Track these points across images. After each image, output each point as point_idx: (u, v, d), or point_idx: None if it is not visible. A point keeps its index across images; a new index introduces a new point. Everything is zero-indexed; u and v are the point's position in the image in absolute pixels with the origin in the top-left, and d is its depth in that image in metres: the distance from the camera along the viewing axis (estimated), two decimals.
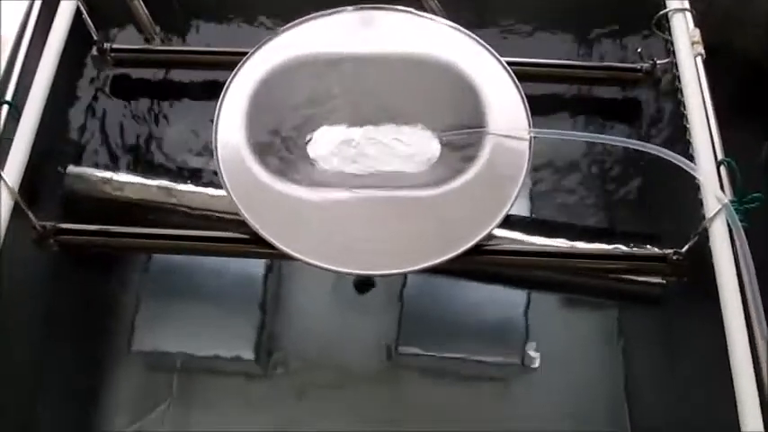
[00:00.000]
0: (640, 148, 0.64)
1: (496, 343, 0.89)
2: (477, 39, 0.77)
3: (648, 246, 0.78)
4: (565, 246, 0.75)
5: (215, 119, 0.72)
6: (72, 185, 0.80)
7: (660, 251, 0.67)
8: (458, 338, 0.89)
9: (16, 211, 0.63)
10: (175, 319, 0.89)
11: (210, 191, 0.80)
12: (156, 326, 0.88)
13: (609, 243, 0.79)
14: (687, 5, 0.70)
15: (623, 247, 0.72)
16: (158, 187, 0.80)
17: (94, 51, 0.76)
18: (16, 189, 0.63)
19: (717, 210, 0.59)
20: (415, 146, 0.75)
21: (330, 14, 0.79)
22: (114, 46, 0.77)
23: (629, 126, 0.85)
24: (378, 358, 0.93)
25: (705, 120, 0.66)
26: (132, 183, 0.81)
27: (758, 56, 0.90)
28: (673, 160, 0.62)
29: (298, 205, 0.68)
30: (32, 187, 0.68)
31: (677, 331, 0.80)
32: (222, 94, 0.73)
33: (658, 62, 0.76)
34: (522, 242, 0.76)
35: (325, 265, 0.64)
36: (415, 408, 0.92)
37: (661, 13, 0.71)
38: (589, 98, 0.84)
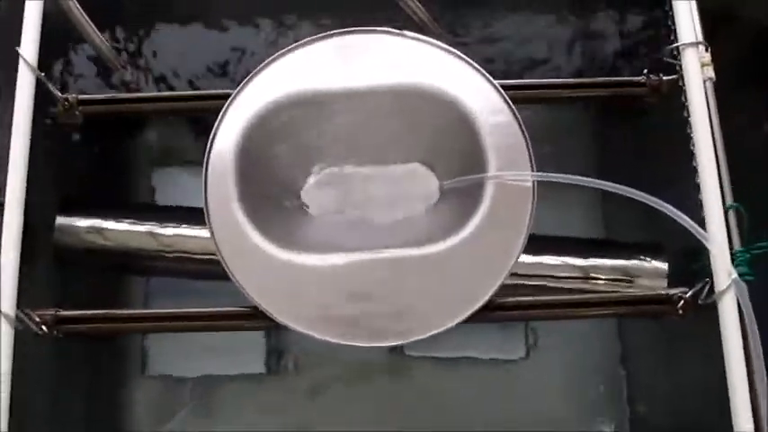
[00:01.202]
0: (654, 205, 0.63)
1: (500, 339, 0.93)
2: (472, 63, 0.72)
3: (648, 258, 0.79)
4: (571, 275, 0.76)
5: (203, 180, 0.68)
6: (60, 239, 0.78)
7: (665, 293, 0.67)
8: (462, 337, 0.92)
9: None
10: (183, 340, 0.90)
11: (201, 233, 0.78)
12: (165, 350, 0.90)
13: (608, 256, 0.80)
14: (700, 38, 0.65)
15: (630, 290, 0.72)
16: (145, 233, 0.78)
17: (60, 109, 0.70)
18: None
19: (727, 285, 0.59)
20: (412, 186, 0.73)
21: (313, 42, 0.72)
22: (81, 97, 0.71)
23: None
24: (386, 352, 0.96)
25: (714, 162, 0.64)
26: (119, 230, 0.78)
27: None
28: (685, 225, 0.61)
29: (298, 274, 0.67)
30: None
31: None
32: (207, 152, 0.69)
33: (665, 78, 0.71)
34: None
35: (332, 339, 0.65)
36: (425, 398, 0.96)
37: (672, 46, 0.66)
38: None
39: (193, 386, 0.93)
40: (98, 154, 0.90)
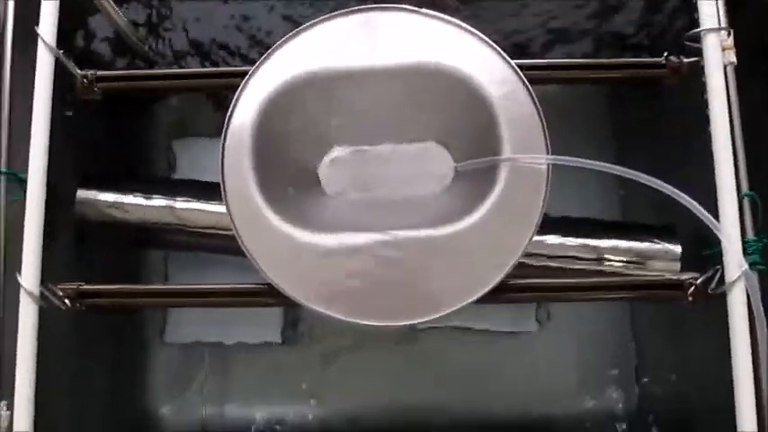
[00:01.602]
0: (668, 192, 0.63)
1: (513, 312, 0.94)
2: (489, 42, 0.71)
3: (662, 241, 0.79)
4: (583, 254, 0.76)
5: (220, 158, 0.69)
6: (80, 211, 0.80)
7: (676, 278, 0.68)
8: (475, 310, 0.93)
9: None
10: (201, 310, 0.92)
11: (218, 208, 0.79)
12: (184, 319, 0.92)
13: (621, 238, 0.80)
14: (724, 23, 0.63)
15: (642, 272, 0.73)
16: (165, 207, 0.79)
17: (79, 86, 0.71)
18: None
19: (737, 276, 0.59)
20: (428, 164, 0.73)
21: (330, 20, 0.72)
22: (100, 74, 0.72)
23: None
24: None
25: (731, 150, 0.63)
26: (138, 204, 0.80)
27: None
28: (697, 213, 0.61)
29: (312, 253, 0.68)
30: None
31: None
32: (224, 131, 0.69)
33: (685, 60, 0.70)
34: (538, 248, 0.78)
35: (344, 318, 0.66)
36: (435, 369, 0.98)
37: (694, 31, 0.65)
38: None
39: (211, 354, 0.95)
40: (119, 125, 0.91)
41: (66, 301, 0.66)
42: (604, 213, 0.94)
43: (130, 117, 0.93)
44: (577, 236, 0.80)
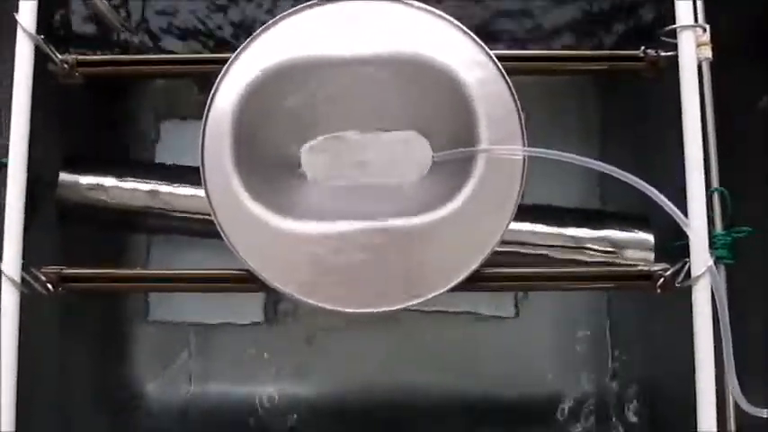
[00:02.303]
0: (639, 187, 0.64)
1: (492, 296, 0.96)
2: (469, 32, 0.72)
3: (636, 230, 0.81)
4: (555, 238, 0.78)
5: (200, 145, 0.70)
6: (61, 194, 0.80)
7: (647, 269, 0.69)
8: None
9: None
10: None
11: (201, 192, 0.80)
12: (166, 297, 0.94)
13: (597, 227, 0.82)
14: (701, 19, 0.64)
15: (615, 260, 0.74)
16: (146, 192, 0.80)
17: (59, 70, 0.71)
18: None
19: (702, 271, 0.61)
20: (408, 152, 0.74)
21: (311, 8, 0.72)
22: (80, 58, 0.72)
23: None
24: None
25: (701, 147, 0.64)
26: (120, 188, 0.80)
27: None
28: (666, 208, 0.62)
29: (291, 240, 0.69)
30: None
31: None
32: (204, 118, 0.70)
33: (662, 53, 0.71)
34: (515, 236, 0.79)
35: (322, 305, 0.67)
36: (415, 349, 1.00)
37: (669, 28, 0.65)
38: None
39: (194, 332, 0.97)
40: (103, 106, 0.91)
41: (49, 285, 0.67)
42: (584, 199, 0.95)
43: (114, 97, 0.93)
44: (554, 225, 0.81)
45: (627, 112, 0.96)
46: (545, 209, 0.84)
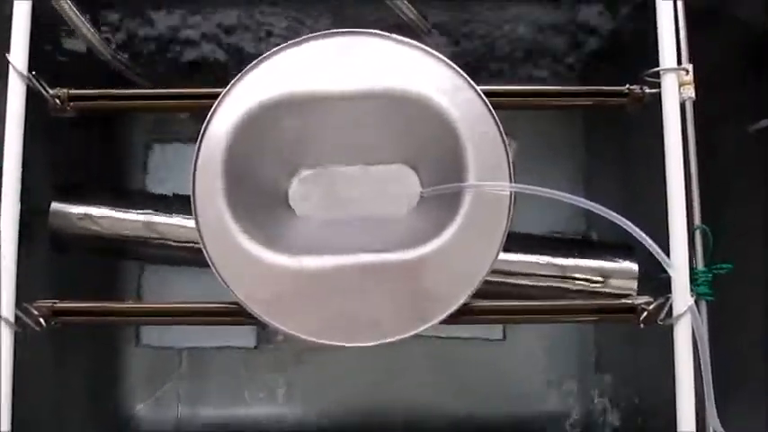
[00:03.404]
0: (622, 224, 0.65)
1: None
2: (456, 68, 0.73)
3: (619, 259, 0.82)
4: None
5: (191, 180, 0.71)
6: (54, 224, 0.81)
7: (631, 302, 0.71)
8: None
9: None
10: None
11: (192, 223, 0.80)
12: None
13: (583, 256, 0.83)
14: (685, 63, 0.65)
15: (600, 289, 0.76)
16: (138, 222, 0.81)
17: (51, 105, 0.72)
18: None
19: (683, 311, 0.62)
20: (396, 186, 0.75)
21: (301, 43, 0.73)
22: (72, 93, 0.72)
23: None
24: None
25: (683, 187, 0.65)
26: (111, 217, 0.81)
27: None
28: (649, 248, 0.63)
29: (283, 275, 0.70)
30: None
31: None
32: (197, 150, 0.71)
33: (647, 90, 0.72)
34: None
35: (309, 338, 0.68)
36: (405, 371, 1.01)
37: (652, 70, 0.67)
38: None
39: (185, 355, 0.98)
40: (95, 132, 0.92)
41: (41, 320, 0.68)
42: (570, 222, 0.96)
43: (106, 123, 0.94)
44: (539, 253, 0.82)
45: (612, 134, 0.97)
46: (530, 237, 0.86)
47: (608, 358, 0.99)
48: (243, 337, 0.97)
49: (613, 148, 0.96)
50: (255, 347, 0.97)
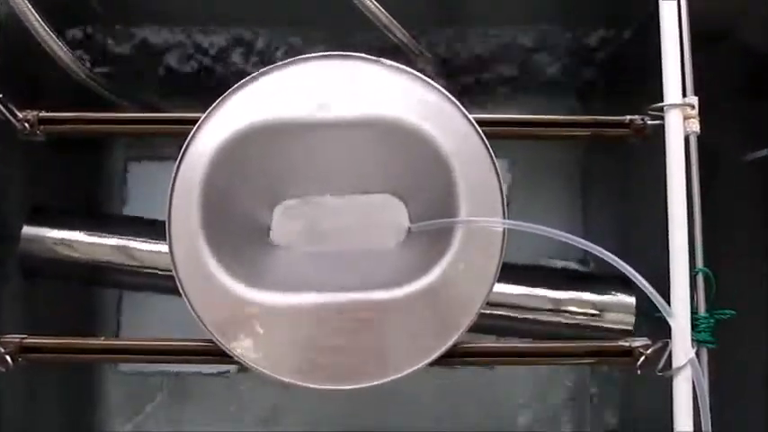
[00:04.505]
0: (621, 269, 0.62)
1: None
2: (449, 96, 0.69)
3: (616, 293, 0.79)
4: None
5: (167, 213, 0.67)
6: (26, 248, 0.77)
7: (627, 345, 0.67)
8: None
9: None
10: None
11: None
12: None
13: (578, 289, 0.80)
14: (690, 100, 0.62)
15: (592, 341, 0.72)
16: (114, 246, 0.77)
17: (20, 128, 0.68)
18: None
19: (683, 363, 0.59)
20: (383, 217, 0.72)
21: (288, 66, 0.69)
22: (42, 115, 0.69)
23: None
24: None
25: (686, 232, 0.62)
26: (86, 242, 0.78)
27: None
28: (650, 296, 0.60)
29: (261, 313, 0.66)
30: None
31: None
32: (172, 180, 0.67)
33: (649, 122, 0.69)
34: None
35: (288, 380, 0.65)
36: (392, 390, 0.98)
37: (656, 105, 0.63)
38: None
39: (166, 379, 0.95)
40: (70, 154, 0.88)
41: (8, 358, 0.65)
42: (566, 254, 0.93)
43: (82, 143, 0.90)
44: (533, 286, 0.79)
45: (612, 158, 0.94)
46: (524, 269, 0.82)
47: (601, 387, 0.97)
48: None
49: (613, 171, 0.92)
50: (239, 371, 0.94)
